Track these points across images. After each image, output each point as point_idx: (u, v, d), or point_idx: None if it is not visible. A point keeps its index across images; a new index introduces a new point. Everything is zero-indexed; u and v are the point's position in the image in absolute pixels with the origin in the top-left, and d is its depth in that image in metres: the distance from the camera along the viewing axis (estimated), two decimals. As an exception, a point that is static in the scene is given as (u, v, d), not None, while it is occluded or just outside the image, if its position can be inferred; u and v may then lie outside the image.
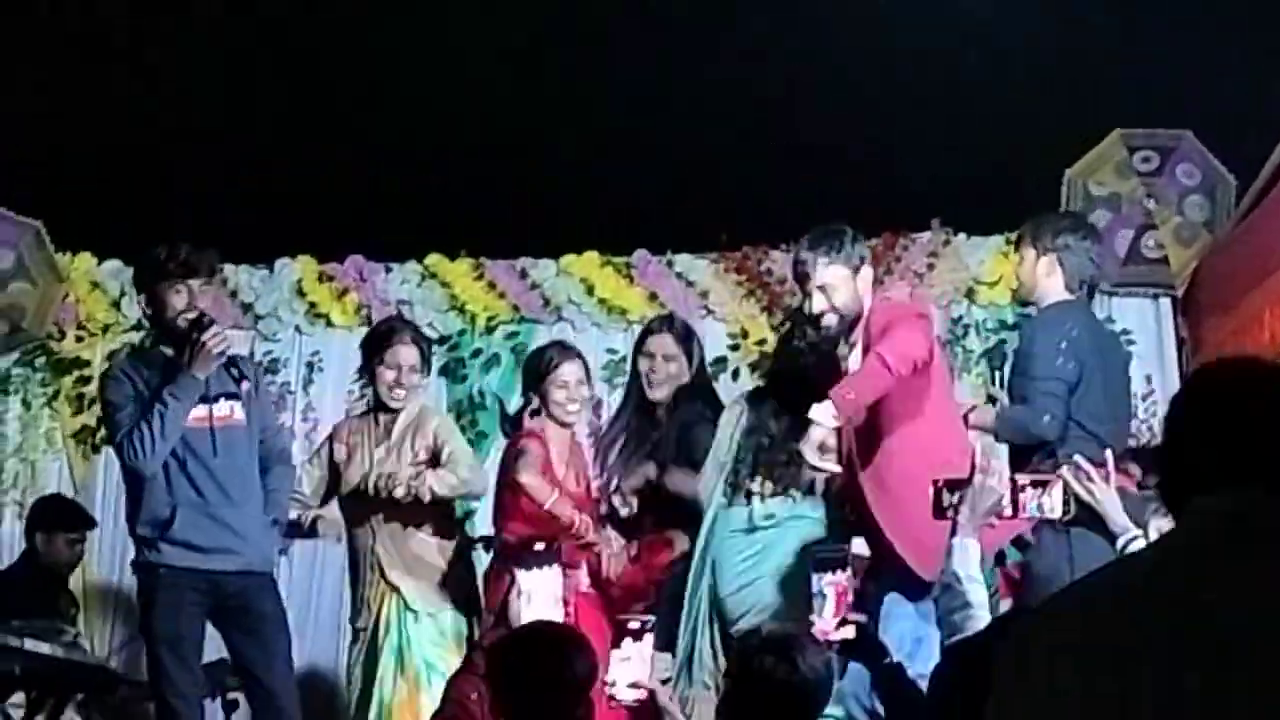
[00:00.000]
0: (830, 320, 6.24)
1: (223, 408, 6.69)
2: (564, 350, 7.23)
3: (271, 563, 6.97)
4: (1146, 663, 2.36)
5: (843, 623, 5.11)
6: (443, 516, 7.15)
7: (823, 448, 5.96)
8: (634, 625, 5.01)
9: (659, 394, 7.13)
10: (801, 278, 6.31)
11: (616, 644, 5.03)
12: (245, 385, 6.68)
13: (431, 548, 7.07)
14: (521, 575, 6.05)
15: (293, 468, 7.16)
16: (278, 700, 6.73)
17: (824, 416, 5.84)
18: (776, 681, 4.61)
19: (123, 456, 6.68)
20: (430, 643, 6.96)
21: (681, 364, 7.14)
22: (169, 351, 6.68)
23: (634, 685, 4.92)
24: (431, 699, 6.59)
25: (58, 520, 8.34)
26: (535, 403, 7.02)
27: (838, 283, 6.22)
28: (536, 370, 7.13)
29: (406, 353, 7.14)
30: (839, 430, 5.96)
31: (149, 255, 6.72)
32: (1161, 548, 2.61)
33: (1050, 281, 6.52)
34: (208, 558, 6.65)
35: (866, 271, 6.32)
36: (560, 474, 6.97)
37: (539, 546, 5.63)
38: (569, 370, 7.03)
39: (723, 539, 6.56)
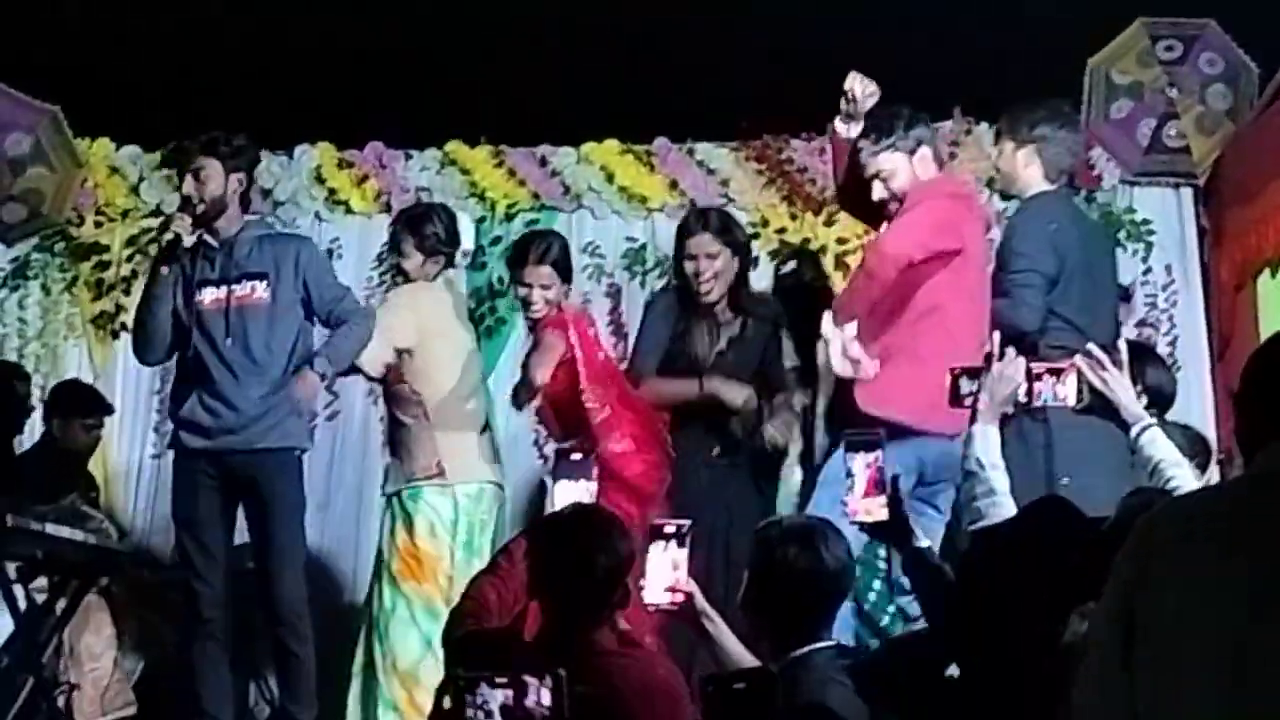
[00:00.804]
0: (894, 208, 6.28)
1: (244, 287, 6.72)
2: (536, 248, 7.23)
3: (289, 440, 6.88)
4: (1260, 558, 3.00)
5: (874, 503, 5.14)
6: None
7: (845, 353, 6.01)
8: (670, 529, 4.95)
9: (713, 295, 7.12)
10: (862, 168, 6.36)
11: (649, 547, 4.99)
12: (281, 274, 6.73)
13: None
14: (555, 485, 6.03)
15: (362, 325, 6.99)
16: (275, 586, 6.72)
17: (825, 326, 5.93)
18: (799, 571, 4.65)
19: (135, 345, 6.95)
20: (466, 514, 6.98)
21: (726, 257, 7.11)
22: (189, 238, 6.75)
23: (670, 589, 4.88)
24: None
25: (74, 405, 8.35)
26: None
27: (894, 168, 6.27)
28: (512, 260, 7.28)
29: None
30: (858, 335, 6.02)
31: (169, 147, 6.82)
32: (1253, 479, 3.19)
33: (1029, 173, 6.53)
34: (213, 439, 6.68)
35: (925, 152, 6.35)
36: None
37: (575, 456, 5.54)
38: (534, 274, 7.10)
39: None
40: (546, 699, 4.55)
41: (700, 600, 4.88)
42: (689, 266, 7.09)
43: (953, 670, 4.24)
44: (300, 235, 7.58)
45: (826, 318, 6.00)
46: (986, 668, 4.07)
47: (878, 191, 6.33)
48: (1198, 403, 8.59)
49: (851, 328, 6.02)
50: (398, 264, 7.45)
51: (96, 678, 7.43)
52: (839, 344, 6.01)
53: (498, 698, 4.80)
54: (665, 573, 4.88)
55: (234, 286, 6.72)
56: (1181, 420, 7.48)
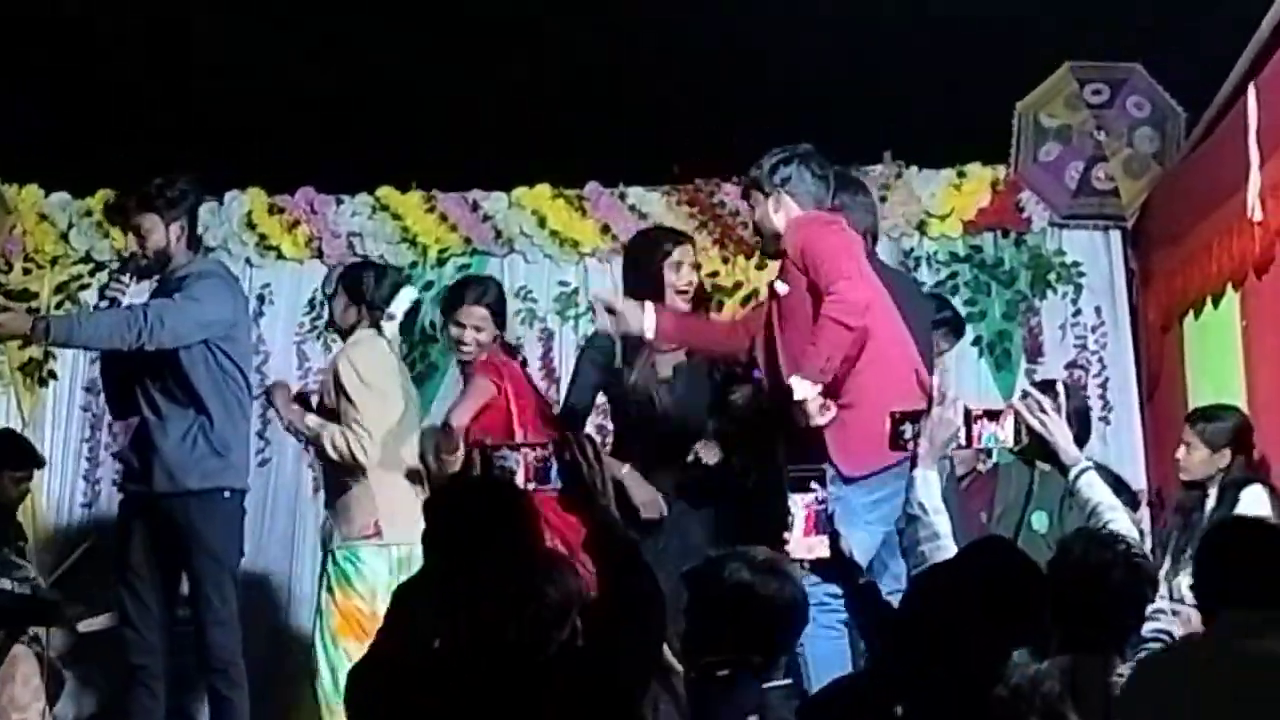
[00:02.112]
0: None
1: None
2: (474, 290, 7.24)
3: (210, 481, 6.75)
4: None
5: (815, 541, 5.19)
6: None
7: (822, 408, 6.01)
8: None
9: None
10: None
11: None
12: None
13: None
14: None
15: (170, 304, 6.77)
16: (204, 633, 6.64)
17: (802, 389, 5.92)
18: (759, 599, 4.65)
19: None
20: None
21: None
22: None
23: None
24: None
25: (4, 457, 8.22)
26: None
27: (764, 212, 6.30)
28: (447, 302, 7.24)
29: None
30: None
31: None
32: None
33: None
34: (138, 481, 6.63)
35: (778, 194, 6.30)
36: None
37: None
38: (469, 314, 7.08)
39: None
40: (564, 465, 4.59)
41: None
42: (669, 275, 6.90)
43: (898, 710, 4.24)
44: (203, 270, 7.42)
45: (799, 381, 5.93)
46: (930, 706, 4.08)
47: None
48: (1128, 443, 8.65)
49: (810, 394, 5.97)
50: (330, 316, 7.39)
51: (21, 729, 7.36)
52: (816, 404, 5.98)
53: (518, 460, 4.86)
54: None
55: None
56: (1113, 460, 7.57)
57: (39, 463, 8.39)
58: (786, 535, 5.20)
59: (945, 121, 8.30)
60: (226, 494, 6.79)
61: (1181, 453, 6.93)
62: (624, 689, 4.23)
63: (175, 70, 8.60)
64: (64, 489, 8.97)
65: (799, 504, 5.25)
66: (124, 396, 6.80)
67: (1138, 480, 7.77)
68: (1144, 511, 7.26)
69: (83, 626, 7.76)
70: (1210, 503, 6.81)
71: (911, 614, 4.27)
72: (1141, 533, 7.02)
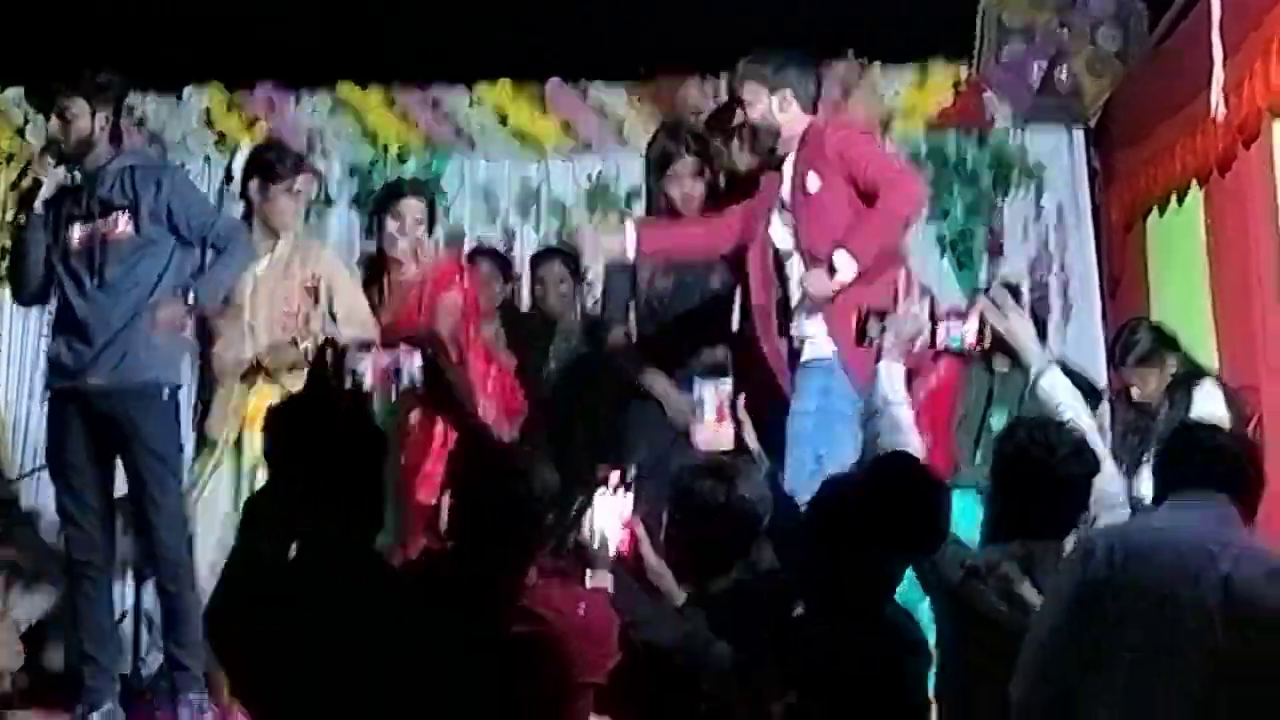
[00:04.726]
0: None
1: (108, 222, 6.58)
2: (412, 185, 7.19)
3: (149, 374, 6.57)
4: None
5: (724, 429, 5.31)
6: None
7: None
8: (615, 478, 4.90)
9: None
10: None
11: (595, 496, 4.94)
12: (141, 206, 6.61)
13: None
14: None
15: (241, 250, 6.71)
16: (152, 530, 6.59)
17: (848, 268, 5.82)
18: (714, 505, 4.68)
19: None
20: None
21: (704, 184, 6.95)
22: (59, 172, 6.64)
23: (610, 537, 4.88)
24: None
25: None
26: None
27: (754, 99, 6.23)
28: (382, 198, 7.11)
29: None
30: None
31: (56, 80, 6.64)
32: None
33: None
34: (74, 378, 6.57)
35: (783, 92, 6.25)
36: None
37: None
38: (406, 205, 6.95)
39: None
40: (415, 365, 4.53)
41: (647, 548, 4.87)
42: (673, 191, 6.68)
43: (797, 609, 4.29)
44: (165, 163, 7.37)
45: (843, 256, 5.90)
46: (825, 609, 4.15)
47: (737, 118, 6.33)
48: (1089, 340, 8.68)
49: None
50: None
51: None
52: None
53: (369, 361, 4.76)
54: (613, 521, 4.85)
55: (98, 222, 6.59)
56: (1072, 358, 7.59)
57: None
58: (695, 426, 5.28)
59: (909, 16, 8.25)
60: (167, 389, 6.73)
61: (1137, 391, 7.02)
62: (487, 590, 4.25)
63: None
64: (21, 385, 8.96)
65: (709, 392, 5.42)
66: (60, 299, 6.72)
67: (1099, 378, 7.79)
68: (1104, 408, 7.29)
69: None
70: (1165, 405, 6.85)
71: (811, 520, 4.33)
72: (1102, 429, 7.09)
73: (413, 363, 4.57)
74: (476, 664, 3.97)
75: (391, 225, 6.90)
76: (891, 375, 5.21)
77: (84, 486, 6.61)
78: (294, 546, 4.03)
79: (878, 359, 5.26)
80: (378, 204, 7.11)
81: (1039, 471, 4.57)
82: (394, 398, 5.98)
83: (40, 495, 8.04)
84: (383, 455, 4.14)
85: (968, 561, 4.34)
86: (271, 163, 7.02)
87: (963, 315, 5.35)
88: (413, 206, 6.94)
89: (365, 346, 4.82)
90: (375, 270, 7.01)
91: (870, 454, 5.12)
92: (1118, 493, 4.87)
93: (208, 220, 6.70)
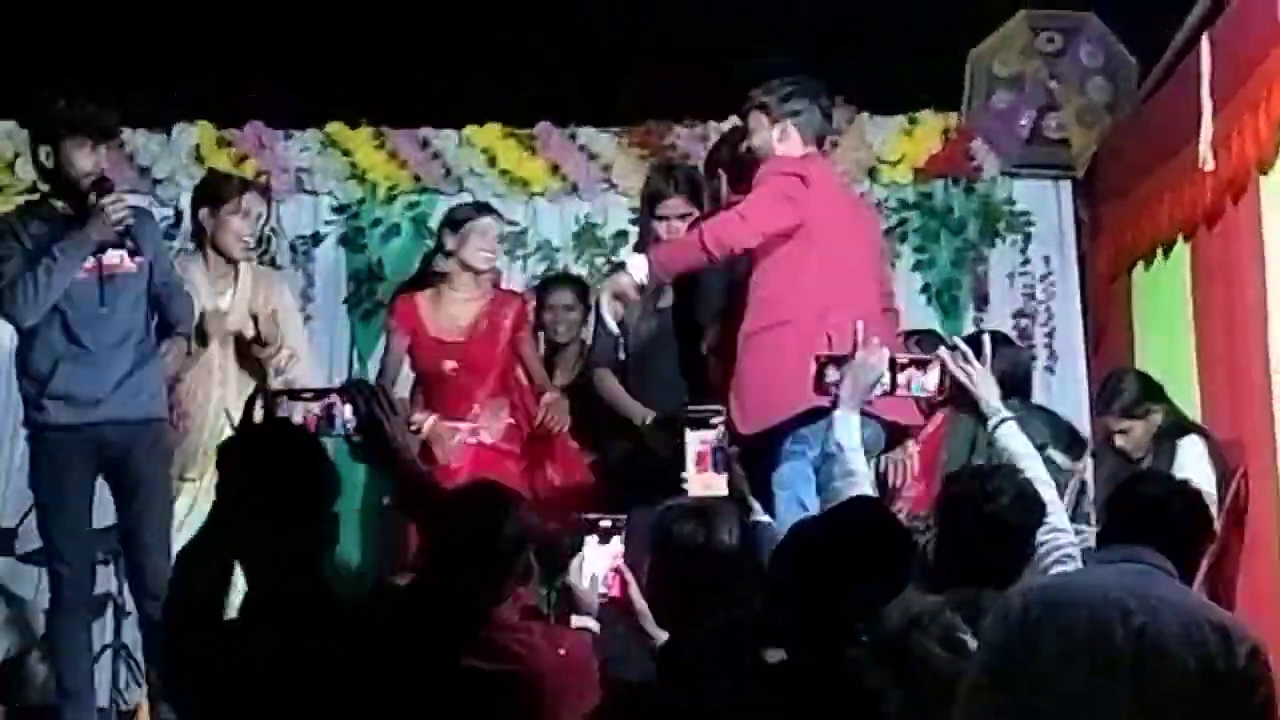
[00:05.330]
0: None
1: (113, 256, 6.59)
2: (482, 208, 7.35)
3: (161, 411, 6.71)
4: None
5: (711, 478, 5.35)
6: None
7: (620, 296, 6.17)
8: (605, 524, 4.92)
9: None
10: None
11: (585, 541, 4.92)
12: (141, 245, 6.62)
13: None
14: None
15: (188, 297, 6.88)
16: (146, 558, 6.56)
17: (636, 269, 6.08)
18: (694, 547, 4.68)
19: (1, 307, 6.54)
20: None
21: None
22: (59, 205, 6.58)
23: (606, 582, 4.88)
24: None
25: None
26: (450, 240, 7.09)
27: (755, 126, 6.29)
28: (454, 220, 7.21)
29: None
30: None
31: (56, 107, 6.59)
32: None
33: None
34: (87, 410, 6.55)
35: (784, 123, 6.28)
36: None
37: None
38: (486, 223, 7.15)
39: None
40: (349, 413, 4.53)
41: (639, 601, 4.86)
42: (660, 229, 6.77)
43: (773, 655, 4.28)
44: (141, 207, 7.36)
45: (640, 260, 6.06)
46: (797, 655, 4.15)
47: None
48: (1073, 392, 8.69)
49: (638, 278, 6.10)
50: None
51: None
52: (623, 283, 6.11)
53: (300, 410, 4.75)
54: (601, 567, 4.86)
55: (102, 256, 6.60)
56: (1059, 409, 7.60)
57: None
58: (684, 474, 5.36)
59: (898, 68, 8.29)
60: (164, 423, 6.77)
61: (1121, 440, 6.99)
62: (450, 624, 4.24)
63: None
64: (4, 418, 8.90)
65: (694, 440, 5.41)
66: (63, 329, 6.70)
67: (1083, 429, 7.79)
68: (1087, 461, 7.28)
69: None
70: (1149, 457, 6.86)
71: (780, 566, 4.34)
72: (1084, 484, 7.09)
73: (344, 411, 4.56)
74: (430, 698, 3.96)
75: (477, 240, 7.07)
76: (848, 423, 5.27)
77: (79, 522, 6.59)
78: (243, 581, 4.02)
79: (834, 406, 5.32)
80: (463, 217, 7.21)
81: (979, 518, 4.60)
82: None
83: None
84: (335, 489, 4.12)
85: (912, 609, 4.34)
86: (217, 187, 7.17)
87: (924, 365, 5.36)
88: (493, 226, 7.18)
89: (295, 395, 4.82)
90: (432, 279, 7.17)
91: (824, 498, 5.22)
92: (1067, 545, 4.87)
93: (168, 269, 6.81)
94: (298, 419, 4.67)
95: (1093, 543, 4.93)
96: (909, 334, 6.88)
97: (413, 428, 6.80)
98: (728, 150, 6.69)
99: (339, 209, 9.14)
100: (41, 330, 6.53)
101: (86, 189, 6.52)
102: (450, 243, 7.09)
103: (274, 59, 8.46)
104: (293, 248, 9.02)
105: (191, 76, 8.59)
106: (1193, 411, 6.99)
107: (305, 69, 8.60)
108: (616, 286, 6.28)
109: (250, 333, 6.95)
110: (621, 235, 8.73)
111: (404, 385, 7.18)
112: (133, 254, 6.61)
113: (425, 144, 9.11)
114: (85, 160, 6.54)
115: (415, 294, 7.17)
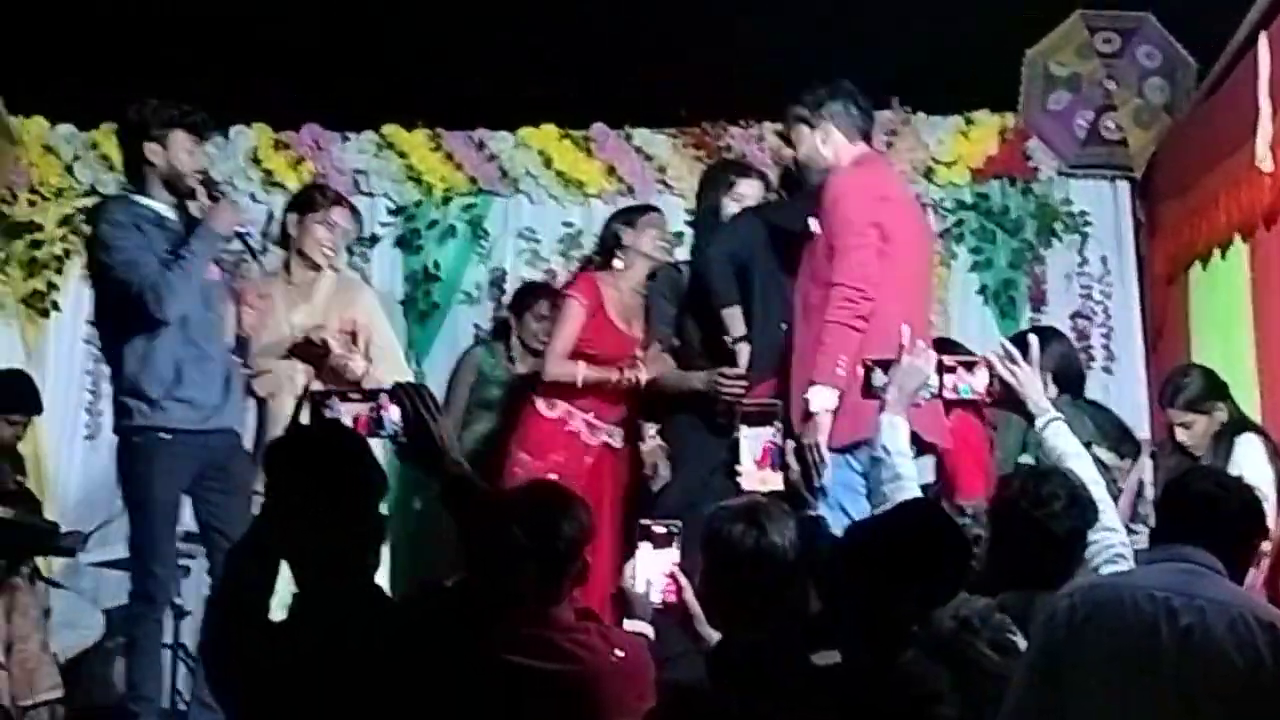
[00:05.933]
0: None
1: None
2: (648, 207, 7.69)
3: (241, 423, 6.85)
4: None
5: (767, 474, 5.41)
6: None
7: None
8: (659, 530, 4.90)
9: None
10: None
11: (639, 547, 4.90)
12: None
13: None
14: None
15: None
16: None
17: (821, 400, 5.87)
18: (744, 550, 4.67)
19: (147, 305, 6.41)
20: None
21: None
22: (158, 205, 6.58)
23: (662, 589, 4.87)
24: None
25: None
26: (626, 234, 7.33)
27: (798, 138, 6.30)
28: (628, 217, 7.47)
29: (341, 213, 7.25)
30: None
31: (162, 106, 6.62)
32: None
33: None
34: (205, 416, 6.57)
35: (825, 126, 6.28)
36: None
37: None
38: (659, 216, 7.51)
39: None
40: (396, 415, 4.55)
41: (690, 597, 4.86)
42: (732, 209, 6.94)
43: (824, 657, 4.27)
44: None
45: (818, 391, 5.89)
46: (845, 658, 4.15)
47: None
48: (1130, 393, 8.66)
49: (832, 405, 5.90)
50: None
51: (23, 659, 7.34)
52: (825, 421, 5.92)
53: (349, 411, 4.78)
54: (656, 573, 4.85)
55: None
56: (1115, 410, 7.57)
57: (36, 408, 8.09)
58: (739, 468, 5.40)
59: (954, 68, 8.27)
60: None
61: (1183, 435, 6.94)
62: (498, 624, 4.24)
63: (184, 3, 8.55)
64: (66, 420, 8.97)
65: (750, 435, 5.47)
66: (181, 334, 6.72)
67: (1141, 430, 7.76)
68: (1145, 461, 7.26)
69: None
70: (1210, 455, 6.82)
71: (835, 569, 4.33)
72: (1141, 483, 7.06)
73: (392, 413, 4.58)
74: (477, 697, 3.98)
75: (654, 233, 7.41)
76: (895, 427, 5.27)
77: (169, 527, 6.61)
78: (292, 581, 4.05)
79: (881, 410, 5.32)
80: (638, 212, 7.56)
81: (1030, 523, 4.59)
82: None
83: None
84: (382, 490, 4.17)
85: (961, 611, 4.33)
86: (309, 197, 7.33)
87: (971, 366, 5.36)
88: (664, 219, 7.61)
89: (344, 396, 4.85)
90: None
91: (875, 502, 5.24)
92: (1119, 545, 4.85)
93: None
94: (346, 420, 4.69)
95: (1146, 544, 4.90)
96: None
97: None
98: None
99: (395, 211, 9.18)
100: (163, 332, 6.53)
101: (192, 187, 6.58)
102: (626, 237, 7.30)
103: (331, 62, 8.51)
104: (349, 250, 9.06)
105: (249, 79, 8.63)
106: (1251, 413, 6.96)
107: (362, 71, 8.63)
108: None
109: (322, 339, 6.96)
110: (678, 235, 8.73)
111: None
112: (215, 260, 6.68)
113: (481, 146, 9.14)
114: (191, 158, 6.60)
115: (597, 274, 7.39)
